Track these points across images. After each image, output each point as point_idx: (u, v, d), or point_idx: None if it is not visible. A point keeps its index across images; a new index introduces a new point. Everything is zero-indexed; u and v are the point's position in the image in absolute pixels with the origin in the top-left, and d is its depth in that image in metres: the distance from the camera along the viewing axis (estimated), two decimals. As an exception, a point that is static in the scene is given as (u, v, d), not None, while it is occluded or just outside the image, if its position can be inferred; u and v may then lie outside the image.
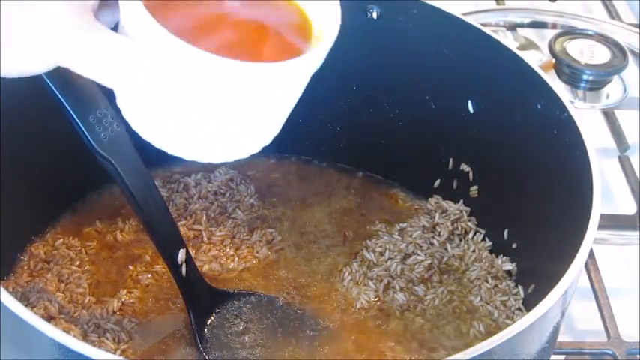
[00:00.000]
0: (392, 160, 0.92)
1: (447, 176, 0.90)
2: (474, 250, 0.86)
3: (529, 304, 0.80)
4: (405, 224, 0.88)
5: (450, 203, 0.89)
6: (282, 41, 0.66)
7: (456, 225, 0.88)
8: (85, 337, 0.75)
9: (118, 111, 0.64)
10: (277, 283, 0.82)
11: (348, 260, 0.85)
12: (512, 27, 1.24)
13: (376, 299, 0.82)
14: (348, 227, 0.89)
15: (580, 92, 1.12)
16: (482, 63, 0.84)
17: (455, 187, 0.89)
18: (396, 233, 0.87)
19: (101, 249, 0.84)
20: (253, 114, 0.63)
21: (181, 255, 0.74)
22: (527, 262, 0.83)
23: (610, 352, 0.85)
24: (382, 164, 0.93)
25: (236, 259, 0.84)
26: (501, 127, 0.84)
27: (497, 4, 1.29)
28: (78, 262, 0.82)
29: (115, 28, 0.62)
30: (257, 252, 0.85)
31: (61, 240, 0.83)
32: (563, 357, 0.85)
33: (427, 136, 0.90)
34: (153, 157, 0.66)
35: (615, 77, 1.13)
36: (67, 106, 0.65)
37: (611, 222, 0.97)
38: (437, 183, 0.90)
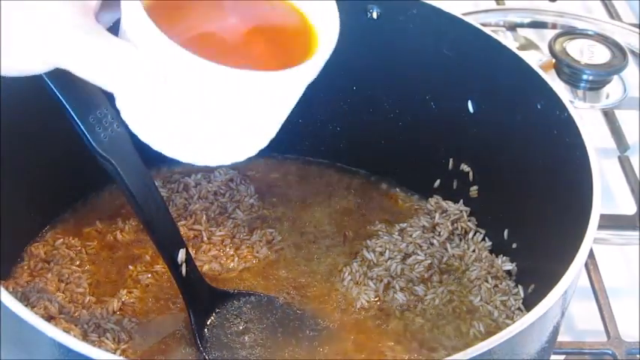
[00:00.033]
0: (392, 160, 0.92)
1: (447, 176, 0.90)
2: (474, 250, 0.86)
3: (529, 304, 0.80)
4: (405, 224, 0.88)
5: (450, 203, 0.89)
6: (282, 47, 0.66)
7: (456, 225, 0.88)
8: (85, 337, 0.75)
9: (117, 111, 0.64)
10: (277, 283, 0.82)
11: (348, 260, 0.85)
12: (512, 27, 1.24)
13: (376, 299, 0.82)
14: (348, 227, 0.89)
15: (580, 92, 1.12)
16: (482, 63, 0.84)
17: (455, 187, 0.89)
18: (396, 233, 0.87)
19: (101, 249, 0.84)
20: (251, 119, 0.64)
21: (181, 255, 0.74)
22: (527, 262, 0.83)
23: (610, 352, 0.85)
24: (382, 164, 0.93)
25: (236, 259, 0.84)
26: (501, 127, 0.84)
27: (497, 4, 1.29)
28: (78, 262, 0.82)
29: (114, 27, 0.62)
30: (257, 252, 0.85)
31: (61, 240, 0.83)
32: (563, 357, 0.85)
33: (427, 136, 0.90)
34: (153, 157, 0.66)
35: (615, 77, 1.13)
36: (67, 106, 0.65)
37: (611, 222, 0.97)
38: (437, 183, 0.90)
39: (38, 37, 0.58)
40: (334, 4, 0.66)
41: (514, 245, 0.84)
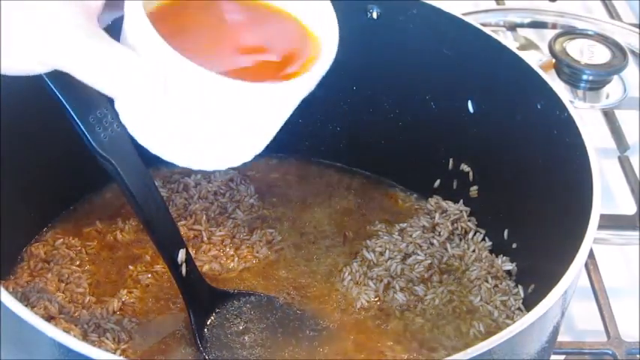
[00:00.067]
0: (392, 160, 0.92)
1: (447, 176, 0.90)
2: (474, 250, 0.86)
3: (529, 304, 0.80)
4: (405, 224, 0.88)
5: (450, 203, 0.89)
6: (283, 55, 0.66)
7: (456, 225, 0.88)
8: (85, 337, 0.75)
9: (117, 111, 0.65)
10: (277, 283, 0.82)
11: (348, 260, 0.85)
12: (512, 27, 1.24)
13: (376, 299, 0.82)
14: (348, 227, 0.89)
15: (580, 92, 1.12)
16: (482, 63, 0.84)
17: (455, 187, 0.89)
18: (396, 233, 0.87)
19: (101, 249, 0.84)
20: (248, 126, 0.64)
21: (181, 255, 0.74)
22: (527, 262, 0.83)
23: (610, 352, 0.85)
24: (382, 164, 0.93)
25: (236, 259, 0.84)
26: (501, 127, 0.84)
27: (497, 4, 1.29)
28: (78, 262, 0.82)
29: (113, 26, 0.62)
30: (257, 252, 0.85)
31: (61, 240, 0.83)
32: (563, 357, 0.85)
33: (427, 136, 0.90)
34: (153, 157, 0.66)
35: (615, 77, 1.13)
36: (67, 106, 0.65)
37: (611, 222, 0.97)
38: (437, 183, 0.90)
39: (37, 37, 0.58)
40: (334, 18, 0.66)
41: (514, 245, 0.84)
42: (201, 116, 0.62)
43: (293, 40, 0.68)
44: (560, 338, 0.77)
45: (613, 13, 1.29)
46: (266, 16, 0.68)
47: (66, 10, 0.58)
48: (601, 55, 1.11)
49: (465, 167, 0.88)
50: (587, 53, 1.11)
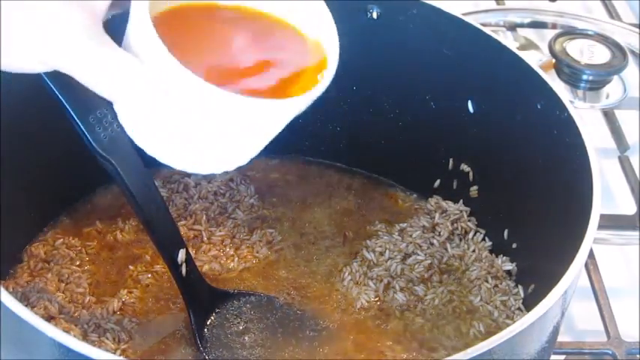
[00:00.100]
0: (392, 160, 0.92)
1: (447, 176, 0.90)
2: (474, 250, 0.86)
3: (529, 304, 0.80)
4: (405, 224, 0.88)
5: (450, 203, 0.89)
6: (283, 67, 0.68)
7: (456, 225, 0.88)
8: (85, 337, 0.75)
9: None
10: (277, 283, 0.82)
11: (348, 260, 0.85)
12: (512, 27, 1.24)
13: (376, 299, 0.82)
14: (348, 227, 0.89)
15: (580, 92, 1.12)
16: (482, 63, 0.84)
17: (455, 187, 0.89)
18: (396, 233, 0.87)
19: (101, 249, 0.84)
20: (245, 135, 0.65)
21: (181, 255, 0.74)
22: (527, 262, 0.83)
23: (610, 352, 0.85)
24: (382, 164, 0.93)
25: (236, 259, 0.84)
26: (501, 127, 0.84)
27: (497, 4, 1.29)
28: (78, 262, 0.82)
29: (111, 22, 0.62)
30: (257, 252, 0.85)
31: (61, 240, 0.83)
32: (563, 357, 0.85)
33: (427, 136, 0.90)
34: (153, 158, 0.66)
35: (615, 77, 1.13)
36: (67, 106, 0.65)
37: (611, 222, 0.97)
38: (437, 183, 0.90)
39: (37, 37, 0.58)
40: (336, 34, 0.68)
41: (514, 245, 0.84)
42: (198, 123, 0.63)
43: (292, 50, 0.68)
44: (560, 338, 0.77)
45: (613, 13, 1.30)
46: (267, 26, 0.69)
47: (68, 10, 0.58)
48: (601, 55, 1.11)
49: (465, 167, 0.88)
50: (587, 53, 1.11)
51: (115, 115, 0.66)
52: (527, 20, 1.25)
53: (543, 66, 1.11)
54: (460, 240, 0.87)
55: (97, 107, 0.66)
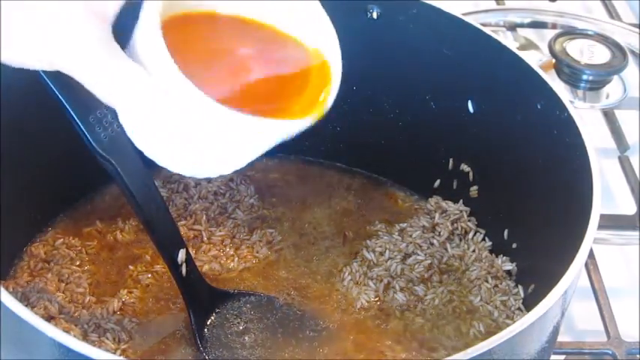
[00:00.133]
0: (392, 160, 0.92)
1: (447, 176, 0.90)
2: (474, 250, 0.86)
3: (529, 304, 0.80)
4: (405, 224, 0.88)
5: (450, 203, 0.89)
6: (286, 81, 0.70)
7: (455, 225, 0.88)
8: (85, 337, 0.75)
9: (117, 112, 0.65)
10: (277, 283, 0.82)
11: (348, 260, 0.85)
12: (512, 27, 1.24)
13: (376, 299, 0.82)
14: (348, 227, 0.89)
15: (580, 92, 1.12)
16: (482, 63, 0.84)
17: (455, 187, 0.89)
18: (396, 233, 0.87)
19: (101, 249, 0.84)
20: (244, 145, 0.66)
21: (181, 255, 0.74)
22: (527, 262, 0.83)
23: (610, 352, 0.85)
24: (382, 164, 0.93)
25: (236, 259, 0.84)
26: (501, 127, 0.84)
27: (497, 4, 1.29)
28: (78, 262, 0.82)
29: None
30: (257, 252, 0.85)
31: (61, 240, 0.83)
32: (563, 357, 0.85)
33: (427, 136, 0.90)
34: (153, 157, 0.66)
35: (615, 77, 1.13)
36: (67, 106, 0.65)
37: (611, 222, 0.97)
38: (437, 183, 0.90)
39: (37, 36, 0.58)
40: (338, 48, 0.69)
41: (514, 245, 0.84)
42: (199, 129, 0.63)
43: (294, 61, 0.69)
44: (560, 338, 0.77)
45: (613, 13, 1.30)
46: (269, 36, 0.69)
47: (79, 14, 0.58)
48: (601, 55, 1.11)
49: (465, 167, 0.88)
50: (587, 53, 1.11)
51: (115, 115, 0.66)
52: (527, 20, 1.25)
53: (543, 66, 1.11)
54: (460, 240, 0.87)
55: (97, 107, 0.66)
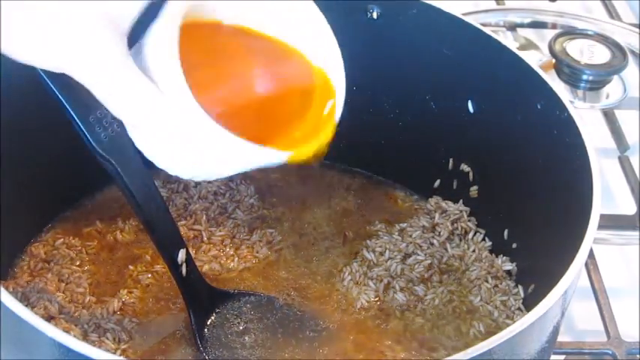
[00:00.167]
0: (392, 160, 0.92)
1: (447, 176, 0.90)
2: (474, 250, 0.86)
3: (529, 304, 0.80)
4: (405, 224, 0.88)
5: (450, 203, 0.89)
6: (292, 101, 0.71)
7: (455, 225, 0.88)
8: (85, 337, 0.75)
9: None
10: (277, 283, 0.82)
11: (348, 260, 0.85)
12: (512, 27, 1.24)
13: (376, 299, 0.82)
14: (348, 227, 0.89)
15: (580, 92, 1.12)
16: (482, 63, 0.84)
17: (455, 187, 0.89)
18: (396, 233, 0.87)
19: (101, 249, 0.84)
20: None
21: (181, 255, 0.74)
22: (527, 262, 0.83)
23: (610, 352, 0.85)
24: (382, 164, 0.93)
25: (236, 259, 0.84)
26: (501, 127, 0.84)
27: (497, 4, 1.29)
28: (78, 262, 0.82)
29: None
30: (257, 252, 0.85)
31: (61, 240, 0.83)
32: (563, 357, 0.85)
33: (427, 136, 0.90)
34: (153, 157, 0.67)
35: (615, 77, 1.13)
36: (67, 106, 0.65)
37: (611, 222, 0.97)
38: (437, 183, 0.90)
39: (37, 37, 0.58)
40: (342, 70, 0.71)
41: (514, 245, 0.84)
42: (199, 148, 0.65)
43: (298, 79, 0.70)
44: (560, 338, 0.77)
45: (613, 13, 1.30)
46: (276, 53, 0.70)
47: (90, 23, 0.58)
48: (601, 55, 1.11)
49: (465, 167, 0.88)
50: (587, 53, 1.11)
51: (115, 115, 0.66)
52: (527, 20, 1.25)
53: (543, 66, 1.11)
54: (460, 240, 0.87)
55: (97, 107, 0.66)
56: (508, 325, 0.73)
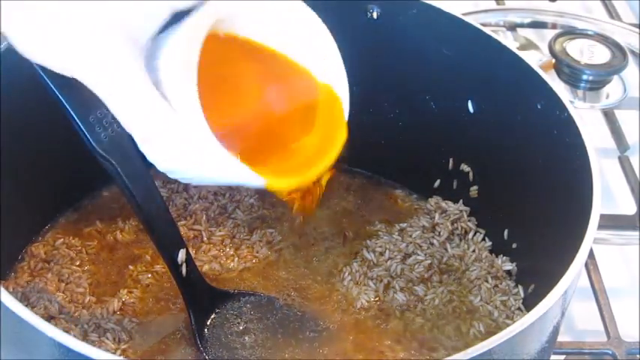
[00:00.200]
0: (392, 160, 0.92)
1: (447, 176, 0.90)
2: (474, 250, 0.86)
3: (529, 304, 0.80)
4: (405, 224, 0.88)
5: (450, 203, 0.89)
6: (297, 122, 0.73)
7: (455, 225, 0.88)
8: (85, 337, 0.75)
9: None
10: (277, 283, 0.82)
11: (348, 260, 0.85)
12: (512, 27, 1.24)
13: (376, 299, 0.82)
14: (348, 227, 0.89)
15: (580, 92, 1.12)
16: (482, 63, 0.84)
17: (455, 187, 0.89)
18: (396, 233, 0.87)
19: (101, 249, 0.84)
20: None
21: (181, 255, 0.74)
22: (527, 262, 0.83)
23: (610, 352, 0.85)
24: (382, 164, 0.93)
25: (236, 259, 0.84)
26: (501, 127, 0.84)
27: (497, 4, 1.29)
28: (78, 262, 0.82)
29: None
30: (257, 252, 0.85)
31: (61, 240, 0.83)
32: (563, 357, 0.85)
33: (427, 136, 0.90)
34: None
35: (615, 77, 1.13)
36: (67, 106, 0.65)
37: (611, 222, 0.97)
38: (437, 183, 0.90)
39: (38, 37, 0.58)
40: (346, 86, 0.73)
41: (514, 245, 0.84)
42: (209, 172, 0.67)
43: (304, 96, 0.70)
44: (560, 338, 0.77)
45: (613, 13, 1.30)
46: (283, 69, 0.70)
47: (110, 37, 0.59)
48: (601, 55, 1.11)
49: (465, 167, 0.88)
50: (587, 53, 1.11)
51: (115, 116, 0.66)
52: (527, 20, 1.25)
53: (543, 66, 1.11)
54: (460, 240, 0.87)
55: (97, 107, 0.66)
56: (508, 325, 0.73)
